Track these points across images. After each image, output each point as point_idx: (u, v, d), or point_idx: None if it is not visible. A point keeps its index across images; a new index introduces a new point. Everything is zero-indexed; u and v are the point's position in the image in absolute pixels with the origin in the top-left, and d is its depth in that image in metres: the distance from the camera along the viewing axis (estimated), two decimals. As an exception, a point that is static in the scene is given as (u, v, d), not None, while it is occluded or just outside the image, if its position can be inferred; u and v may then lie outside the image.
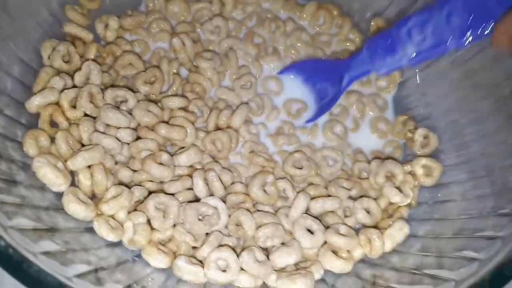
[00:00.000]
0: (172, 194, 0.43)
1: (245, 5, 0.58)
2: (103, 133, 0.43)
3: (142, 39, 0.53)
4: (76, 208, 0.38)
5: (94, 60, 0.48)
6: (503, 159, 0.43)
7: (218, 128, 0.49)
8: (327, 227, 0.44)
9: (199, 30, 0.56)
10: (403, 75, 0.56)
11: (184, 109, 0.49)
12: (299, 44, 0.57)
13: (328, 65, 0.53)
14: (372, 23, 0.58)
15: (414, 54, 0.44)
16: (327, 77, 0.52)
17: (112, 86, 0.48)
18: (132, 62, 0.49)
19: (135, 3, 0.56)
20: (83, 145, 0.43)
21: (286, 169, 0.48)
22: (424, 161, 0.48)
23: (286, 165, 0.48)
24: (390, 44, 0.45)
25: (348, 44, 0.58)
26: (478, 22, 0.39)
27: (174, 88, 0.51)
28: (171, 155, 0.45)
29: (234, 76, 0.54)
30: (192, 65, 0.53)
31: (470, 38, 0.40)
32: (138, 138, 0.45)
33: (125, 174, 0.44)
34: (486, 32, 0.39)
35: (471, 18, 0.39)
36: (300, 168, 0.48)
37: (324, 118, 0.53)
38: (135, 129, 0.45)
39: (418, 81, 0.55)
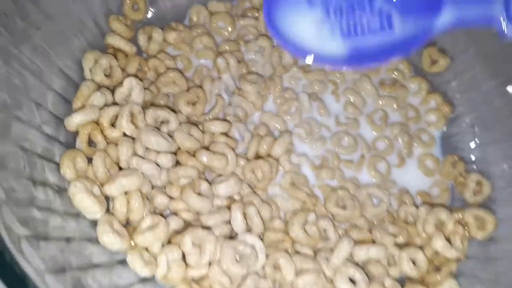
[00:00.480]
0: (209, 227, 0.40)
1: (293, 25, 0.55)
2: (142, 157, 0.40)
3: (185, 54, 0.51)
4: (110, 240, 0.36)
5: (135, 75, 0.45)
6: None
7: (258, 156, 0.47)
8: (370, 278, 0.41)
9: (243, 48, 0.53)
10: (454, 111, 0.53)
11: (226, 134, 0.46)
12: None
13: None
14: (424, 53, 0.55)
15: None
16: None
17: (153, 104, 0.46)
18: (176, 80, 0.47)
19: (180, 16, 0.54)
20: (120, 167, 0.41)
21: (329, 208, 0.45)
22: (476, 211, 0.45)
23: (329, 203, 0.45)
24: None
25: (396, 74, 0.55)
26: None
27: (216, 110, 0.48)
28: (210, 183, 0.42)
29: (278, 100, 0.51)
30: (235, 86, 0.50)
31: None
32: (177, 162, 0.43)
33: (161, 201, 0.41)
34: None
35: None
36: (343, 208, 0.45)
37: (368, 153, 0.50)
38: (175, 153, 0.43)
39: (470, 119, 0.52)
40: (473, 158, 0.50)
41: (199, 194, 0.41)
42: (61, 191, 0.36)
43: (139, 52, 0.50)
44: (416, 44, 0.28)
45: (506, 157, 0.48)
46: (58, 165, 0.38)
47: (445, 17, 0.26)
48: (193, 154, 0.43)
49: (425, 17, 0.26)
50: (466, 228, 0.45)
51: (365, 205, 0.47)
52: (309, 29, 0.29)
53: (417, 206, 0.47)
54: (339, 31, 0.28)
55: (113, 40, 0.46)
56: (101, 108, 0.42)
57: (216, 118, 0.47)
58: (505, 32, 0.25)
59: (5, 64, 0.34)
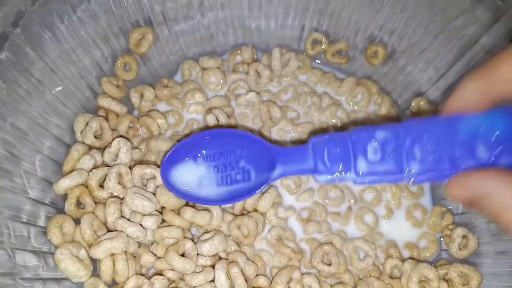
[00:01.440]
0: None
1: (281, 77, 0.57)
2: (128, 219, 0.41)
3: (176, 110, 0.53)
4: (94, 305, 0.37)
5: (124, 136, 0.47)
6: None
7: (244, 210, 0.48)
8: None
9: (233, 102, 0.55)
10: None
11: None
12: (333, 120, 0.55)
13: (260, 145, 0.42)
14: (412, 103, 0.55)
15: (364, 172, 0.36)
16: (254, 158, 0.42)
17: (141, 162, 0.48)
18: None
19: (171, 72, 0.56)
20: (107, 228, 0.43)
21: (314, 264, 0.46)
22: (461, 267, 0.45)
23: (314, 259, 0.46)
24: (340, 152, 0.37)
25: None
26: (437, 166, 0.33)
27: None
28: (194, 242, 0.43)
29: (266, 153, 0.52)
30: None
31: (425, 178, 0.35)
32: (163, 220, 0.44)
33: (147, 260, 0.43)
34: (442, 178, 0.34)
35: (431, 158, 0.34)
36: (329, 264, 0.46)
37: (356, 205, 0.51)
38: (160, 212, 0.44)
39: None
40: (460, 209, 0.51)
41: (183, 255, 0.42)
42: (45, 255, 0.38)
43: (132, 109, 0.52)
44: (261, 187, 0.41)
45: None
46: (43, 228, 0.39)
47: (278, 171, 0.40)
48: (178, 212, 0.44)
49: (267, 172, 0.41)
50: (450, 284, 0.45)
51: (351, 259, 0.48)
52: (194, 181, 0.41)
53: (403, 260, 0.48)
54: (215, 182, 0.41)
55: (104, 102, 0.48)
56: (90, 170, 0.43)
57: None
58: (317, 179, 0.38)
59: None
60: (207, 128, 0.50)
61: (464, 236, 0.47)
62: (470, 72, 0.30)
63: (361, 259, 0.48)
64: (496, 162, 0.32)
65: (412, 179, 0.35)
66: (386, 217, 0.51)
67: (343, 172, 0.37)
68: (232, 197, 0.41)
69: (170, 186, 0.41)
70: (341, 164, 0.37)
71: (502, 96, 0.30)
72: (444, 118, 0.34)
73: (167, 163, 0.41)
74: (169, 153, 0.42)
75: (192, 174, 0.41)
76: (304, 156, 0.39)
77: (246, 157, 0.42)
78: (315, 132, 0.54)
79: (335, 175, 0.37)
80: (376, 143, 0.36)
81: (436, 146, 0.34)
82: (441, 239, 0.50)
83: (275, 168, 0.40)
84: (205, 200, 0.41)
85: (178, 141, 0.45)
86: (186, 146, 0.42)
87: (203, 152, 0.42)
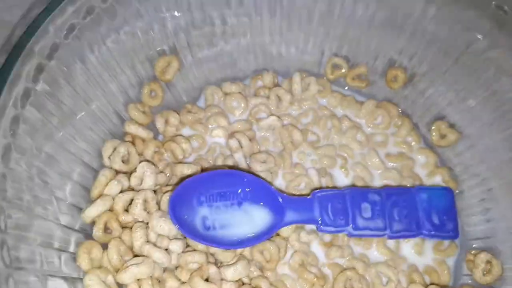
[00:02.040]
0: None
1: (302, 101, 0.58)
2: (154, 244, 0.42)
3: (199, 134, 0.54)
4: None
5: (149, 160, 0.49)
6: None
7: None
8: None
9: (255, 126, 0.56)
10: (460, 186, 0.53)
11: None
12: (354, 143, 0.56)
13: (266, 190, 0.46)
14: (433, 127, 0.56)
15: (360, 227, 0.46)
16: (259, 202, 0.46)
17: (167, 185, 0.49)
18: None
19: (195, 98, 0.57)
20: (134, 252, 0.44)
21: (337, 290, 0.46)
22: (486, 295, 0.44)
23: (337, 285, 0.46)
24: (341, 209, 0.46)
25: (404, 147, 0.56)
26: (408, 226, 0.46)
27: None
28: (218, 267, 0.44)
29: (288, 176, 0.53)
30: (247, 165, 0.52)
31: (399, 236, 0.47)
32: (188, 245, 0.45)
33: (172, 285, 0.43)
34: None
35: (404, 220, 0.46)
36: (351, 289, 0.46)
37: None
38: (185, 236, 0.45)
39: (478, 194, 0.52)
40: (481, 234, 0.50)
41: (207, 279, 0.42)
42: (75, 281, 0.39)
43: (157, 134, 0.54)
44: (268, 236, 0.45)
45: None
46: (73, 254, 0.40)
47: (288, 218, 0.45)
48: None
49: (273, 220, 0.45)
50: (475, 311, 0.44)
51: (374, 284, 0.48)
52: (199, 222, 0.44)
53: (426, 286, 0.47)
54: (218, 224, 0.44)
55: (131, 129, 0.49)
56: (116, 195, 0.45)
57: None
58: (320, 229, 0.45)
59: (26, 166, 0.37)
60: (218, 167, 0.51)
61: (488, 262, 0.47)
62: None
63: (383, 285, 0.48)
64: (443, 227, 0.47)
65: (391, 235, 0.46)
66: (407, 241, 0.51)
67: (342, 225, 0.45)
68: (238, 242, 0.44)
69: (178, 224, 0.42)
70: (342, 218, 0.45)
71: None
72: (411, 188, 0.50)
73: (175, 201, 0.43)
74: (176, 191, 0.43)
75: (196, 214, 0.44)
76: (311, 207, 0.46)
77: (250, 200, 0.45)
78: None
79: (337, 226, 0.45)
80: (368, 203, 0.46)
81: (407, 210, 0.47)
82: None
83: (285, 215, 0.45)
84: (210, 242, 0.43)
85: (183, 178, 0.47)
86: (191, 185, 0.44)
87: (206, 192, 0.44)
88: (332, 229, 0.46)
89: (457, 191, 0.53)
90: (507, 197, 0.49)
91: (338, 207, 0.46)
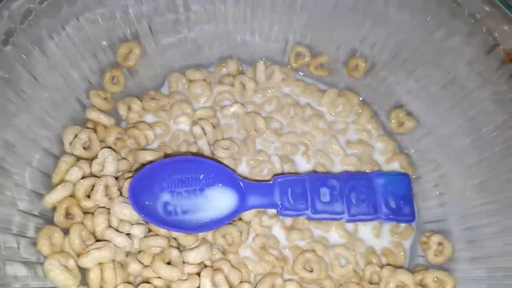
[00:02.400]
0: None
1: (266, 89, 0.59)
2: (116, 229, 0.43)
3: (163, 121, 0.54)
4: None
5: (110, 147, 0.49)
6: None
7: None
8: None
9: (219, 114, 0.56)
10: (416, 171, 0.55)
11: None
12: (316, 131, 0.57)
13: (228, 176, 0.48)
14: (392, 115, 0.57)
15: (319, 211, 0.47)
16: (221, 188, 0.47)
17: (129, 172, 0.49)
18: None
19: (158, 85, 0.57)
20: (96, 237, 0.44)
21: (296, 270, 0.48)
22: (436, 273, 0.47)
23: (296, 266, 0.48)
24: (301, 193, 0.48)
25: (364, 134, 0.58)
26: (366, 210, 0.48)
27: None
28: (180, 250, 0.45)
29: (252, 163, 0.54)
30: (211, 151, 0.53)
31: (356, 219, 0.49)
32: (150, 230, 0.46)
33: (134, 269, 0.44)
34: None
35: (361, 204, 0.48)
36: (310, 271, 0.47)
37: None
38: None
39: (433, 180, 0.54)
40: (435, 218, 0.53)
41: (169, 263, 0.43)
42: (35, 265, 0.39)
43: (120, 121, 0.54)
44: (229, 220, 0.46)
45: (466, 217, 0.50)
46: (32, 239, 0.41)
47: (250, 203, 0.46)
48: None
49: (235, 205, 0.46)
50: (426, 289, 0.47)
51: (332, 266, 0.49)
52: (161, 207, 0.44)
53: (382, 266, 0.49)
54: (180, 209, 0.44)
55: (93, 115, 0.49)
56: (78, 181, 0.45)
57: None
58: (281, 213, 0.47)
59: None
60: (181, 153, 0.52)
61: (440, 243, 0.49)
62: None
63: (342, 266, 0.49)
64: (400, 211, 0.49)
65: (349, 219, 0.48)
66: (365, 224, 0.53)
67: (302, 209, 0.47)
68: (199, 226, 0.44)
69: (139, 209, 0.43)
70: (302, 203, 0.47)
71: None
72: (369, 174, 0.52)
73: (135, 187, 0.43)
74: (136, 177, 0.43)
75: (158, 199, 0.44)
76: (272, 192, 0.47)
77: (212, 186, 0.46)
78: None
79: (297, 210, 0.47)
80: (326, 188, 0.48)
81: (365, 194, 0.49)
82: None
83: (246, 200, 0.46)
84: (172, 226, 0.43)
85: (144, 164, 0.47)
86: (152, 171, 0.44)
87: (168, 178, 0.45)
88: (292, 213, 0.48)
89: (413, 177, 0.55)
90: (459, 183, 0.52)
91: (298, 192, 0.48)
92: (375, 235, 0.53)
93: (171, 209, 0.44)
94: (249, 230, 0.49)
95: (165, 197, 0.45)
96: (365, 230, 0.53)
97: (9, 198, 0.40)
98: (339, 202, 0.48)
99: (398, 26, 0.53)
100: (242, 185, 0.47)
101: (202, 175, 0.46)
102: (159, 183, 0.45)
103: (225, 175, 0.47)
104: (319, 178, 0.49)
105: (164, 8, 0.52)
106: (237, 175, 0.48)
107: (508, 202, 0.46)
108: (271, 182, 0.49)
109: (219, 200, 0.46)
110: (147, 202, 0.43)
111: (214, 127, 0.54)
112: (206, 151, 0.53)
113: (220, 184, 0.46)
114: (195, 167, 0.46)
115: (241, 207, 0.47)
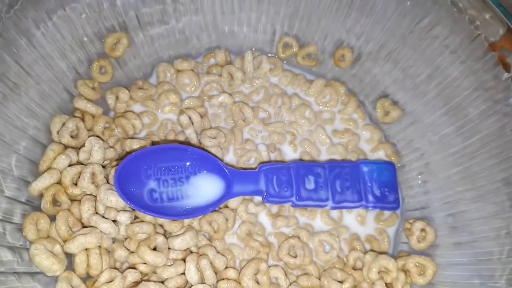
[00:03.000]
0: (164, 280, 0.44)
1: (253, 79, 0.59)
2: (102, 216, 0.44)
3: (151, 110, 0.55)
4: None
5: (98, 136, 0.50)
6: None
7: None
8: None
9: (207, 103, 0.57)
10: (401, 160, 0.56)
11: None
12: (302, 120, 0.58)
13: (213, 164, 0.48)
14: (378, 104, 0.58)
15: (304, 197, 0.48)
16: (206, 176, 0.47)
17: (117, 160, 0.50)
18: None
19: (146, 75, 0.58)
20: (83, 224, 0.45)
21: (281, 256, 0.48)
22: (417, 258, 0.48)
23: (281, 252, 0.49)
24: (286, 181, 0.48)
25: (350, 124, 0.58)
26: (350, 197, 0.50)
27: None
28: (166, 237, 0.46)
29: (239, 152, 0.55)
30: (198, 140, 0.54)
31: (341, 206, 0.50)
32: (136, 217, 0.46)
33: (120, 255, 0.45)
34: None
35: (346, 191, 0.50)
36: (294, 257, 0.48)
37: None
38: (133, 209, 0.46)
39: (417, 168, 0.55)
40: (419, 205, 0.53)
41: (155, 249, 0.44)
42: (21, 251, 0.40)
43: (108, 110, 0.54)
44: (215, 206, 0.46)
45: (450, 204, 0.51)
46: (19, 225, 0.41)
47: (235, 190, 0.47)
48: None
49: (220, 192, 0.47)
50: (408, 274, 0.48)
51: (317, 252, 0.50)
52: (147, 194, 0.44)
53: (366, 252, 0.50)
54: (166, 196, 0.45)
55: (80, 104, 0.50)
56: (65, 168, 0.45)
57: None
58: (266, 200, 0.48)
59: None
60: (168, 141, 0.53)
61: (422, 229, 0.50)
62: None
63: (326, 252, 0.50)
64: (384, 199, 0.51)
65: (334, 206, 0.49)
66: (349, 212, 0.54)
67: (287, 197, 0.48)
68: (184, 212, 0.45)
69: (125, 196, 0.43)
70: (287, 190, 0.48)
71: None
72: (354, 162, 0.52)
73: (121, 173, 0.43)
74: (122, 163, 0.44)
75: (144, 187, 0.44)
76: (257, 180, 0.48)
77: (199, 173, 0.46)
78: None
79: (282, 197, 0.48)
80: (311, 176, 0.49)
81: (350, 182, 0.50)
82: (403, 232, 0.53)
83: (231, 188, 0.47)
84: (158, 213, 0.44)
85: (130, 152, 0.47)
86: (138, 158, 0.45)
87: (154, 165, 0.45)
88: (277, 200, 0.48)
89: (398, 165, 0.56)
90: (443, 170, 0.52)
91: (283, 179, 0.49)
92: (360, 222, 0.54)
93: (157, 196, 0.45)
94: (235, 217, 0.50)
95: (151, 184, 0.45)
96: (350, 218, 0.54)
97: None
98: (324, 189, 0.49)
99: (384, 16, 0.54)
100: (227, 172, 0.48)
101: (188, 163, 0.47)
102: (145, 171, 0.45)
103: (210, 163, 0.48)
104: (304, 166, 0.50)
105: (151, -2, 0.53)
106: (222, 163, 0.48)
107: (491, 187, 0.47)
108: (256, 170, 0.49)
109: (204, 187, 0.47)
110: (133, 189, 0.44)
111: (201, 116, 0.55)
112: (193, 139, 0.53)
113: (206, 172, 0.47)
114: (181, 155, 0.47)
115: (227, 194, 0.47)
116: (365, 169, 0.51)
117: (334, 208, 0.50)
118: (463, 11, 0.47)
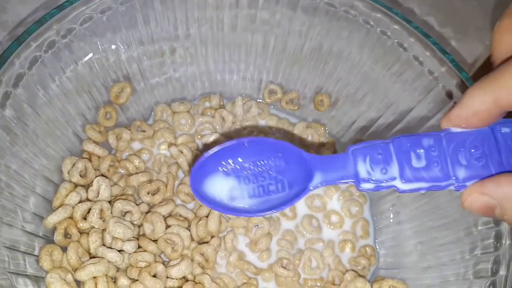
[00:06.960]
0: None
1: (243, 121, 0.66)
2: (108, 247, 0.49)
3: (148, 148, 0.61)
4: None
5: (104, 175, 0.56)
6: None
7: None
8: None
9: (198, 141, 0.63)
10: (378, 193, 0.63)
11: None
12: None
13: (294, 153, 0.41)
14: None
15: (410, 178, 0.36)
16: (288, 167, 0.41)
17: (122, 194, 0.56)
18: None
19: (146, 117, 0.64)
20: (90, 254, 0.50)
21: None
22: (391, 282, 0.53)
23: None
24: (383, 159, 0.37)
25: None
26: (484, 170, 0.35)
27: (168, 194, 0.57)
28: (165, 266, 0.51)
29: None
30: (188, 169, 0.59)
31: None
32: (140, 246, 0.52)
33: (123, 283, 0.50)
34: None
35: (476, 163, 0.36)
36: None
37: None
38: (137, 238, 0.52)
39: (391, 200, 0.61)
40: (391, 234, 0.60)
41: (155, 275, 0.49)
42: (38, 279, 0.45)
43: (110, 148, 0.60)
44: (298, 199, 0.40)
45: (417, 234, 0.57)
46: (37, 257, 0.47)
47: (317, 179, 0.39)
48: (153, 240, 0.52)
49: (303, 181, 0.40)
50: (382, 297, 0.53)
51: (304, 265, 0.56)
52: (225, 193, 0.41)
53: (346, 271, 0.56)
54: (247, 193, 0.41)
55: (89, 147, 0.56)
56: (76, 205, 0.51)
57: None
58: (359, 187, 0.38)
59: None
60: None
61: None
62: (477, 81, 0.31)
63: (311, 268, 0.56)
64: None
65: (458, 185, 0.36)
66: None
67: (386, 180, 0.37)
68: (267, 208, 0.41)
69: (200, 197, 0.40)
70: (385, 171, 0.37)
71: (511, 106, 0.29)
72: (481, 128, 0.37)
73: (196, 173, 0.40)
74: (197, 163, 0.40)
75: (222, 185, 0.41)
76: (344, 163, 0.38)
77: (279, 166, 0.41)
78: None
79: (379, 182, 0.37)
80: (420, 150, 0.36)
81: (481, 151, 0.36)
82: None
83: (313, 177, 0.39)
84: (238, 211, 0.41)
85: (203, 152, 0.45)
86: (215, 157, 0.40)
87: (233, 162, 0.41)
88: (372, 185, 0.37)
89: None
90: (412, 204, 0.59)
91: (379, 159, 0.37)
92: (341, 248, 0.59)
93: (236, 194, 0.42)
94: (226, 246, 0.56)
95: (230, 182, 0.41)
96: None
97: (18, 221, 0.46)
98: (440, 165, 0.36)
99: (359, 63, 0.61)
100: (311, 159, 0.40)
101: (266, 155, 0.42)
102: (223, 169, 0.41)
103: (292, 153, 0.41)
104: (409, 139, 0.37)
105: (152, 53, 0.60)
106: (304, 151, 0.41)
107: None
108: (344, 153, 0.39)
109: (287, 179, 0.41)
110: (209, 189, 0.41)
111: (192, 151, 0.61)
112: (185, 167, 0.59)
113: (287, 163, 0.41)
114: (259, 149, 0.42)
115: (311, 184, 0.40)
116: (505, 130, 0.38)
117: (459, 187, 0.36)
118: (422, 64, 0.54)
